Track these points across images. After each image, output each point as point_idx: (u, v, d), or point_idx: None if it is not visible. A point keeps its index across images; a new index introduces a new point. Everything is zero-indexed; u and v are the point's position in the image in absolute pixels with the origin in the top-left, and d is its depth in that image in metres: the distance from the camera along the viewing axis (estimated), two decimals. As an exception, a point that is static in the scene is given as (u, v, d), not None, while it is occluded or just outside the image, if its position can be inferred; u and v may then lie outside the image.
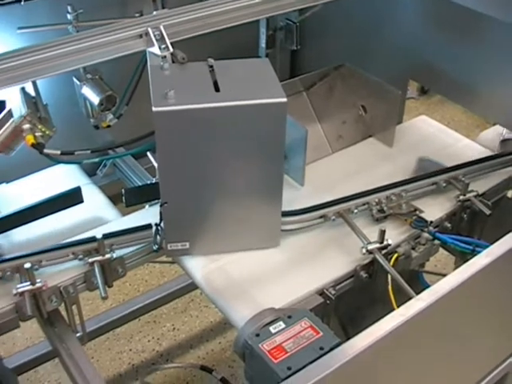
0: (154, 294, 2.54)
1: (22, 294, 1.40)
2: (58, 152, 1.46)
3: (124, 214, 1.71)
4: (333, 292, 1.42)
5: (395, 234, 1.54)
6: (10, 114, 1.48)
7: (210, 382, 2.39)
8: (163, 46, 1.49)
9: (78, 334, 1.56)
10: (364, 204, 1.60)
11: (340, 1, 1.74)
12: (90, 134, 1.88)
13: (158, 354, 2.59)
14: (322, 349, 1.18)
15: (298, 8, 1.79)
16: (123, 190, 1.58)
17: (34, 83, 1.57)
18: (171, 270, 2.80)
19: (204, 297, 2.70)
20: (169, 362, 2.52)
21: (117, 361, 2.57)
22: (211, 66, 1.42)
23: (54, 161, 1.51)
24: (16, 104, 1.54)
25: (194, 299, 2.76)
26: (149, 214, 1.59)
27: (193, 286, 2.40)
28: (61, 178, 1.82)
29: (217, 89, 1.34)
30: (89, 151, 1.53)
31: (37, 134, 1.46)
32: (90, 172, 1.95)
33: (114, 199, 1.78)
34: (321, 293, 1.42)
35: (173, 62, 1.46)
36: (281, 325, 1.25)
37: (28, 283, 1.41)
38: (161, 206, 1.42)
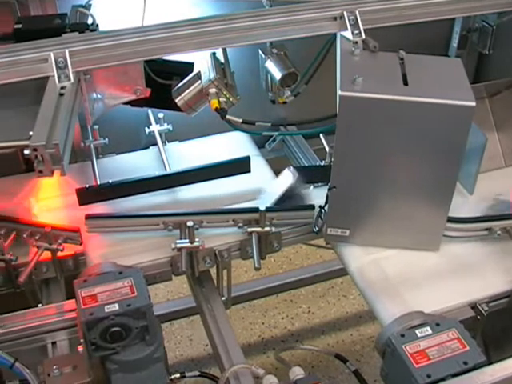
0: (295, 273, 2.57)
1: (179, 249, 1.46)
2: (240, 120, 1.49)
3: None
4: (485, 308, 1.38)
5: (561, 263, 1.46)
6: (198, 77, 1.54)
7: (335, 371, 2.38)
8: (356, 32, 1.48)
9: (222, 298, 1.60)
10: (534, 225, 1.53)
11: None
12: (264, 107, 1.90)
13: (289, 332, 2.61)
14: (465, 364, 1.15)
15: (501, 11, 1.72)
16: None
17: (225, 50, 1.62)
18: (317, 253, 2.81)
19: (344, 286, 2.70)
20: (298, 343, 2.54)
21: (248, 331, 2.62)
22: (402, 59, 1.40)
23: (234, 128, 1.55)
24: (203, 68, 1.59)
25: (333, 286, 2.76)
26: (312, 196, 1.61)
27: (335, 274, 2.42)
28: (231, 145, 1.86)
29: (405, 82, 1.33)
30: (269, 124, 1.56)
31: (221, 99, 1.51)
32: (258, 144, 1.98)
33: (277, 174, 1.80)
34: (473, 306, 1.38)
35: (363, 49, 1.45)
36: (427, 330, 1.22)
37: (187, 240, 1.46)
38: (329, 189, 1.42)
